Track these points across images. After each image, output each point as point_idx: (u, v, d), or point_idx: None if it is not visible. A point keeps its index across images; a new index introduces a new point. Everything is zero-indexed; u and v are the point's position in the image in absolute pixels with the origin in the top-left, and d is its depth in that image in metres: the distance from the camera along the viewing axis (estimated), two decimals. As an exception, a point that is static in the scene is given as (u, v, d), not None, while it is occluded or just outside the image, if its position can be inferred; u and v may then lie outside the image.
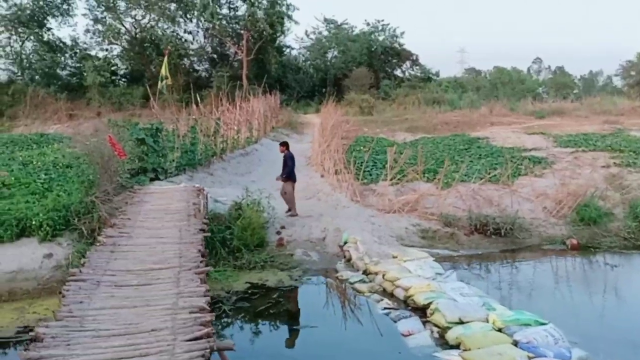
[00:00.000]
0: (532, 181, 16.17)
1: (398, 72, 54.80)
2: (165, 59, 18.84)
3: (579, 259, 12.76)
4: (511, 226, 13.49)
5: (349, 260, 11.76)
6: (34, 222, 10.76)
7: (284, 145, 14.85)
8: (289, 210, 14.07)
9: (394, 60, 54.20)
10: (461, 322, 8.24)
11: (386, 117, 37.73)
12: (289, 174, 14.22)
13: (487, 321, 8.30)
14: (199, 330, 5.12)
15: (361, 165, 16.88)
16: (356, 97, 43.51)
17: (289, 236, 13.03)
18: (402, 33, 53.53)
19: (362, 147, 21.38)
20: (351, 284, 10.57)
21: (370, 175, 16.98)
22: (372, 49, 51.88)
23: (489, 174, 16.17)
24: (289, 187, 14.20)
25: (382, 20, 53.76)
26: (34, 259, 10.45)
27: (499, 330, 8.08)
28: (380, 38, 53.44)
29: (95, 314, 5.56)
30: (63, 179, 14.37)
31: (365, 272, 10.93)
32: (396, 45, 53.34)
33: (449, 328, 8.20)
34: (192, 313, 5.49)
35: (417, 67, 53.89)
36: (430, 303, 8.94)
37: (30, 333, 5.29)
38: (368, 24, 53.98)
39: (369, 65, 50.40)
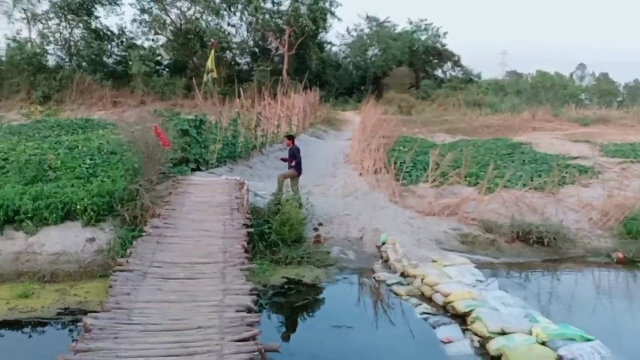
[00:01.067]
0: (578, 190, 15.63)
1: (439, 73, 54.06)
2: (212, 51, 18.87)
3: (624, 273, 12.25)
4: (555, 236, 13.05)
5: (386, 261, 11.56)
6: (78, 207, 10.92)
7: (290, 138, 14.72)
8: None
9: (435, 60, 53.45)
10: (503, 333, 7.98)
11: (425, 118, 37.26)
12: (298, 165, 14.13)
13: (531, 333, 8.01)
14: (247, 330, 5.02)
15: (401, 166, 16.61)
16: (395, 96, 43.09)
17: (326, 233, 12.91)
18: (445, 33, 52.87)
19: (401, 147, 21.08)
20: (388, 285, 10.37)
21: (410, 176, 16.71)
22: (414, 48, 51.23)
23: (533, 180, 15.71)
24: (289, 174, 14.04)
25: (425, 20, 53.23)
26: (76, 242, 10.62)
27: (543, 343, 7.78)
28: (423, 37, 52.75)
29: (143, 307, 5.51)
30: (107, 164, 14.61)
31: (403, 275, 10.71)
32: (438, 45, 52.58)
33: (490, 338, 7.95)
34: (238, 312, 5.40)
35: (459, 68, 53.06)
36: (471, 311, 8.69)
37: (78, 324, 5.25)
38: (411, 23, 53.49)
39: (410, 65, 49.87)
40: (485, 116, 37.88)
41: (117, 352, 4.76)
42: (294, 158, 14.19)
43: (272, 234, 11.77)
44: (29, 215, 10.61)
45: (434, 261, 10.96)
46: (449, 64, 53.57)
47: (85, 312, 8.57)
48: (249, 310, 5.54)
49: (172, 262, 6.96)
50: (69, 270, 10.12)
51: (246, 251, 7.65)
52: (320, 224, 13.20)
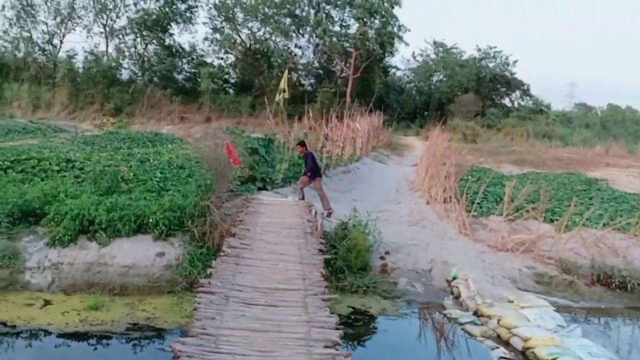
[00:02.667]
0: (665, 234, 14.57)
1: (506, 101, 52.87)
2: (286, 72, 18.99)
3: None
4: (639, 282, 12.16)
5: (457, 297, 11.04)
6: (150, 220, 10.98)
7: (303, 145, 14.92)
8: (329, 213, 13.81)
9: (503, 89, 52.28)
10: (593, 388, 7.34)
11: (491, 147, 36.33)
12: (311, 170, 14.26)
13: (622, 390, 7.33)
14: (340, 372, 4.73)
15: (471, 197, 16.01)
16: (460, 124, 42.31)
17: (393, 263, 12.49)
18: (515, 62, 51.74)
19: (469, 177, 20.44)
20: (461, 324, 9.85)
21: (481, 208, 16.08)
22: (481, 76, 50.36)
23: (614, 221, 14.77)
24: (318, 184, 14.28)
25: (495, 47, 52.20)
26: (147, 256, 10.64)
27: (637, 403, 7.10)
28: (491, 65, 51.78)
29: (229, 335, 5.32)
30: (177, 179, 14.77)
31: (476, 314, 10.16)
32: (507, 73, 51.48)
33: (578, 392, 7.32)
34: (327, 348, 5.12)
35: (528, 98, 51.67)
36: (554, 359, 8.07)
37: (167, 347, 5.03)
38: (479, 50, 52.56)
39: (476, 92, 48.92)
40: (555, 149, 36.57)
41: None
42: (306, 164, 14.39)
43: (338, 260, 11.47)
44: (103, 227, 10.73)
45: (510, 301, 10.34)
46: (518, 93, 52.28)
47: (153, 329, 8.63)
48: (338, 345, 5.25)
49: (252, 286, 6.78)
50: (138, 284, 10.13)
51: (325, 279, 7.39)
52: (387, 253, 12.79)
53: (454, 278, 11.59)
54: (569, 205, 15.15)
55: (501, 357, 8.57)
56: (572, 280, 12.28)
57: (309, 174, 14.26)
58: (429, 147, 23.67)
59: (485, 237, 14.16)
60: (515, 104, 52.14)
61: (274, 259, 8.15)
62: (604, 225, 14.50)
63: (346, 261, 11.51)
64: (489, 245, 13.63)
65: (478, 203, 15.90)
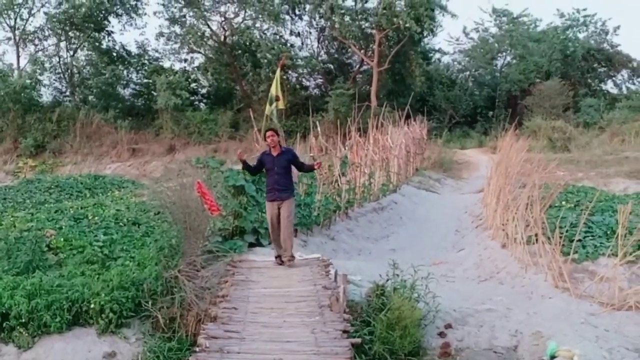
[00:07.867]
0: None
1: (609, 87, 53.09)
2: (278, 72, 19.17)
3: None
4: None
5: (559, 385, 10.90)
6: (92, 306, 10.98)
7: (278, 134, 13.99)
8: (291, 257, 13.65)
9: (603, 69, 52.54)
10: None
11: (593, 155, 36.40)
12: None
13: None
14: None
15: (567, 232, 15.91)
16: (544, 124, 42.48)
17: (458, 341, 12.39)
18: (617, 28, 52.08)
19: (563, 202, 20.39)
20: None
21: (584, 247, 15.96)
22: (568, 52, 50.70)
23: None
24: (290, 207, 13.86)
25: (584, 10, 52.65)
26: (90, 359, 10.63)
27: None
28: (581, 36, 52.32)
29: None
30: (129, 241, 14.92)
31: (590, 408, 10.01)
32: (606, 46, 51.80)
33: None
34: None
35: (641, 79, 51.98)
36: None
37: None
38: (562, 16, 53.23)
39: (563, 77, 49.16)
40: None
41: None
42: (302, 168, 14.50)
43: (374, 342, 11.39)
44: (23, 321, 10.70)
45: (640, 386, 10.19)
46: (625, 74, 52.53)
47: None
48: None
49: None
50: (79, 403, 10.14)
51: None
52: (449, 326, 12.72)
53: (553, 357, 11.46)
54: None
55: None
56: None
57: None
58: (500, 162, 23.66)
59: (594, 290, 14.01)
60: (624, 90, 52.31)
61: (276, 351, 8.15)
62: None
63: (387, 344, 11.41)
64: (600, 302, 13.49)
65: (579, 240, 15.80)
